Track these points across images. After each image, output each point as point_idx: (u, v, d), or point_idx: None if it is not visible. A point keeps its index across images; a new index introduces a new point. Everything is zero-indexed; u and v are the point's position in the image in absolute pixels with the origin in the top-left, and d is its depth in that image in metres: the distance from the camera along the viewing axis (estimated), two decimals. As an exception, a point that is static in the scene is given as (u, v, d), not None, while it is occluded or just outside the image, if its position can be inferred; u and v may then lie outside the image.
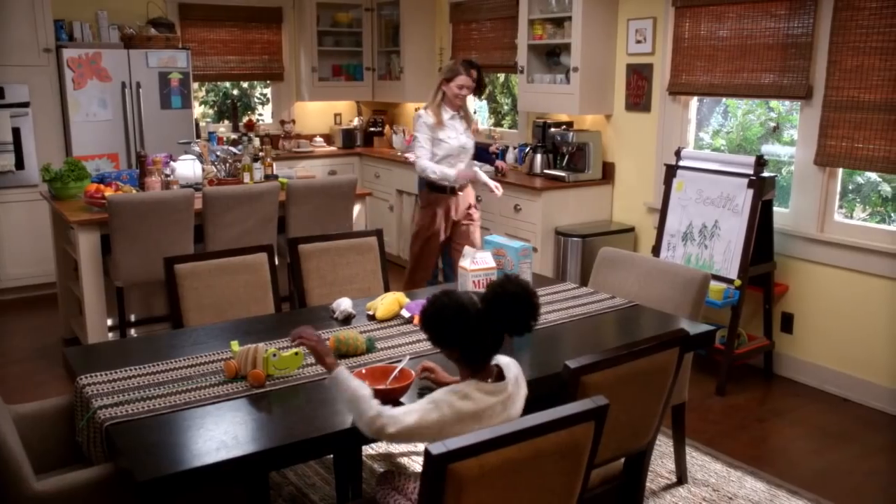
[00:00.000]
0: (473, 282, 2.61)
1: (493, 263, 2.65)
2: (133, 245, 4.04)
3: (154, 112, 5.84)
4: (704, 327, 2.69)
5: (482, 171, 4.53)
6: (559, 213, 5.05)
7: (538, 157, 5.36)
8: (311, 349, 1.99)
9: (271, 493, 3.02)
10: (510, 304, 1.84)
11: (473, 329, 1.80)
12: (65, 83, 5.51)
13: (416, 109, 6.84)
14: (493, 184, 4.41)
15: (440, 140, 4.30)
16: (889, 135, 3.72)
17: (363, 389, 1.85)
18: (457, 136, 4.33)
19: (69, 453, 2.31)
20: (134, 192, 4.26)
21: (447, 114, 4.31)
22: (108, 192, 4.09)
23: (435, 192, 4.39)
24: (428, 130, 4.30)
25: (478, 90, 4.56)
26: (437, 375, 2.14)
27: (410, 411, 1.79)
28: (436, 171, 4.29)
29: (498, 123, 6.75)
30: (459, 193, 4.42)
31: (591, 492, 2.15)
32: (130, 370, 2.28)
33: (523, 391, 1.93)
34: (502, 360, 1.93)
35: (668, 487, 3.13)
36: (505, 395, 1.85)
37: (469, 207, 4.49)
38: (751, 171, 4.05)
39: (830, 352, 4.08)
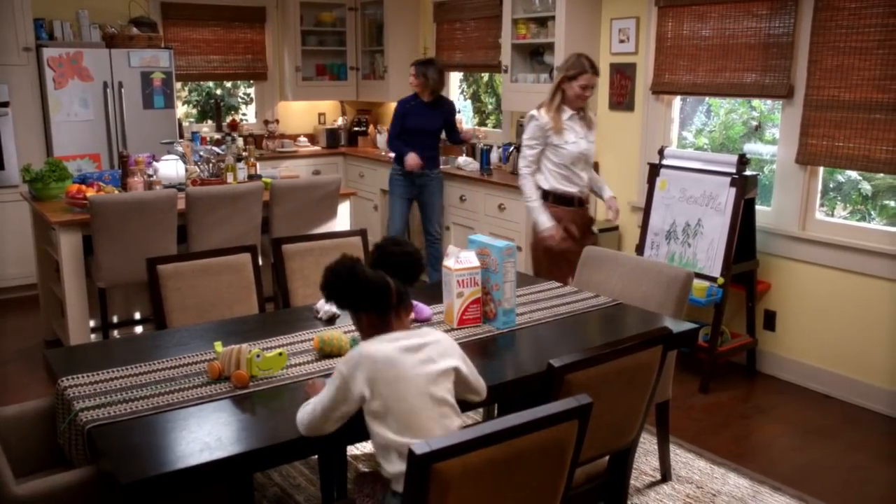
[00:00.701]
0: (458, 281, 2.61)
1: (476, 262, 2.65)
2: (115, 246, 4.01)
3: (136, 112, 5.80)
4: (688, 325, 2.70)
5: (607, 188, 4.11)
6: (543, 212, 5.04)
7: (522, 156, 5.36)
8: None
9: (256, 495, 3.01)
10: (393, 244, 2.06)
11: (372, 278, 1.91)
12: (45, 83, 5.46)
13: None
14: (614, 206, 4.01)
15: (557, 146, 3.84)
16: (868, 133, 3.75)
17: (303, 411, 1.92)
18: (576, 140, 3.86)
19: (50, 456, 2.29)
20: (116, 192, 4.23)
21: (566, 114, 3.86)
22: (90, 193, 4.06)
23: (559, 205, 3.94)
24: (541, 136, 3.85)
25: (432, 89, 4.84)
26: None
27: (309, 402, 1.91)
28: (531, 200, 3.90)
29: (482, 123, 6.76)
30: (586, 205, 4.06)
31: (575, 490, 2.15)
32: (113, 372, 2.26)
33: (450, 352, 1.95)
34: (433, 329, 2.02)
35: (652, 485, 3.15)
36: (410, 342, 1.87)
37: (591, 223, 4.17)
38: (733, 170, 4.08)
39: (812, 349, 4.12)
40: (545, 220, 3.86)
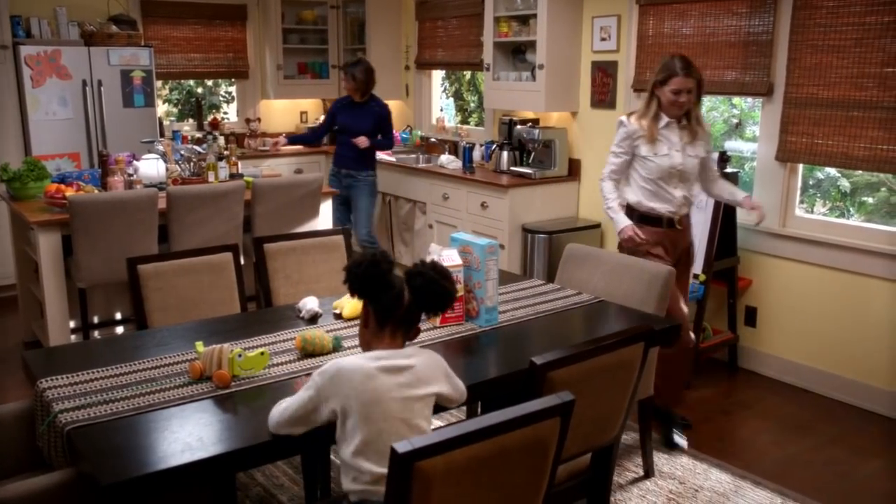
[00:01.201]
0: (440, 279, 2.61)
1: (459, 261, 2.65)
2: (95, 246, 3.97)
3: (116, 111, 5.75)
4: (669, 322, 2.72)
5: (738, 191, 3.57)
6: (526, 209, 5.07)
7: (505, 154, 5.38)
8: None
9: (239, 495, 2.99)
10: (432, 271, 1.97)
11: (395, 282, 1.92)
12: (23, 81, 5.40)
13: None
14: (754, 206, 3.48)
15: (645, 158, 3.37)
16: (846, 131, 3.79)
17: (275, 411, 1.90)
18: (669, 152, 3.34)
19: (29, 459, 2.26)
20: (96, 192, 4.19)
21: (662, 122, 3.36)
22: (70, 193, 4.02)
23: (645, 224, 3.43)
24: (627, 144, 3.41)
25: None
26: None
27: (285, 400, 1.90)
28: (608, 201, 3.49)
29: (464, 121, 6.76)
30: (679, 228, 3.45)
31: (558, 487, 2.16)
32: (93, 373, 2.24)
33: (433, 378, 1.90)
34: (419, 348, 1.98)
35: (635, 481, 3.16)
36: (391, 363, 1.83)
37: (689, 247, 3.56)
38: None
39: (792, 345, 4.16)
40: (622, 219, 3.43)
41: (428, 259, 2.64)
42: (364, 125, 5.39)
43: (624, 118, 3.44)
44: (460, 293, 2.66)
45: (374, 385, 1.78)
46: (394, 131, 5.67)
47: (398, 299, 1.90)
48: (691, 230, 3.59)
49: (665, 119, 3.36)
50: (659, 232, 3.41)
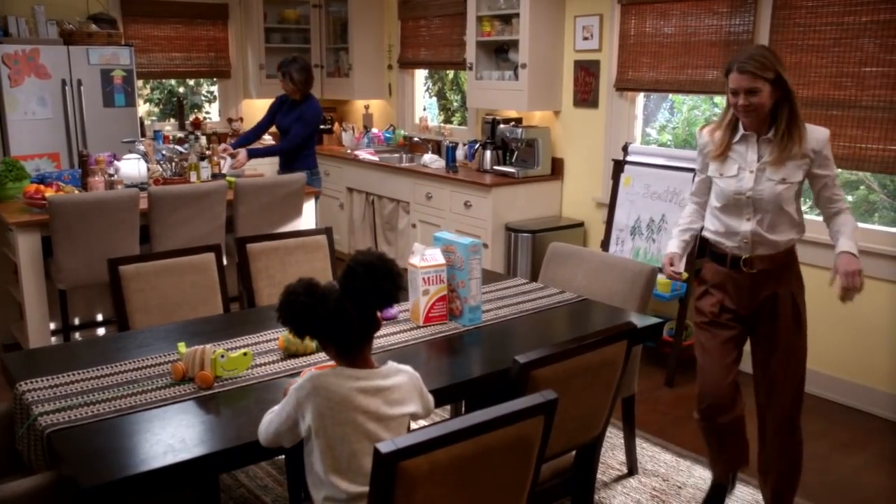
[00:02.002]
0: (423, 279, 2.61)
1: (442, 260, 2.65)
2: (76, 247, 3.94)
3: (97, 110, 5.70)
4: (652, 320, 2.73)
5: (843, 240, 2.57)
6: (509, 208, 5.08)
7: (488, 153, 5.38)
8: None
9: (222, 496, 2.98)
10: (364, 275, 1.74)
11: (333, 311, 1.72)
12: (0, 80, 5.34)
13: (366, 107, 6.80)
14: (842, 274, 2.50)
15: (713, 179, 2.70)
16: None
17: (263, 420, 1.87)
18: (738, 173, 2.59)
19: (9, 462, 2.24)
20: (76, 192, 4.16)
21: (737, 135, 2.61)
22: (49, 193, 3.98)
23: (711, 261, 2.77)
24: (701, 161, 2.78)
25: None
26: None
27: (272, 412, 1.84)
28: (679, 224, 2.92)
29: (448, 120, 6.76)
30: (748, 271, 2.62)
31: (542, 485, 2.17)
32: (73, 375, 2.22)
33: (409, 399, 1.83)
34: (398, 366, 1.85)
35: (618, 479, 3.18)
36: (370, 384, 1.76)
37: (773, 300, 2.65)
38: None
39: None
40: (669, 245, 2.88)
41: (411, 259, 2.65)
42: (288, 124, 5.10)
43: (699, 129, 2.82)
44: (443, 292, 2.66)
45: (350, 405, 1.73)
46: (304, 133, 5.04)
47: (346, 323, 1.73)
48: (785, 278, 2.65)
49: (742, 131, 2.60)
50: (722, 273, 2.68)
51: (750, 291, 2.64)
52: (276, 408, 1.85)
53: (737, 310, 2.68)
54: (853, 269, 2.48)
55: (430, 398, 1.93)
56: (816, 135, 2.55)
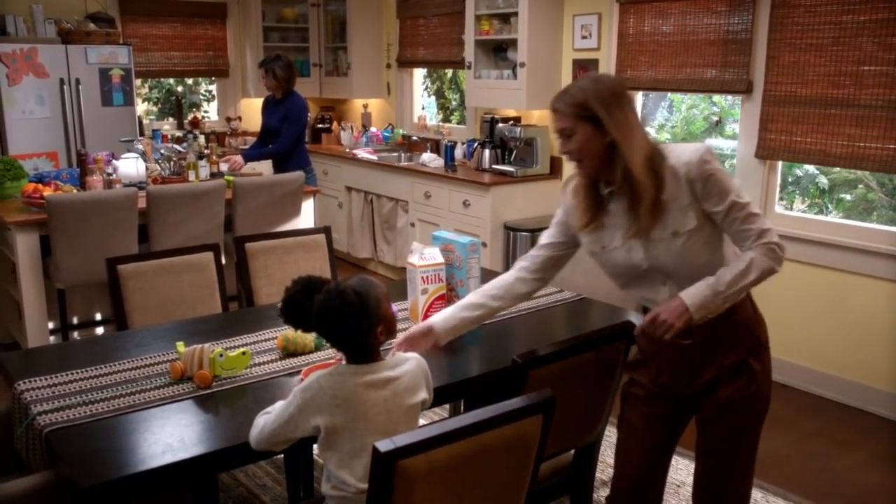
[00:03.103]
0: (422, 278, 2.61)
1: (441, 259, 2.65)
2: (74, 246, 3.94)
3: (95, 109, 5.69)
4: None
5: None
6: (508, 207, 5.08)
7: (486, 152, 5.38)
8: None
9: (221, 495, 2.98)
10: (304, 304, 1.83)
11: (333, 309, 1.75)
12: (-1, 79, 5.34)
13: (365, 106, 6.79)
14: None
15: (595, 254, 2.15)
16: (824, 129, 3.83)
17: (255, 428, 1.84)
18: (623, 242, 2.01)
19: (7, 461, 2.24)
20: (74, 191, 4.15)
21: (605, 192, 2.04)
22: (47, 192, 3.98)
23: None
24: (560, 224, 2.29)
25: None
26: None
27: (271, 418, 1.81)
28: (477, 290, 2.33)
29: (446, 119, 6.76)
30: (685, 343, 1.93)
31: (540, 484, 2.17)
32: (72, 374, 2.22)
33: (418, 386, 1.84)
34: (405, 354, 1.88)
35: (617, 477, 3.18)
36: (377, 376, 1.77)
37: (720, 365, 2.04)
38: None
39: (772, 340, 4.18)
40: (434, 316, 2.25)
41: (410, 259, 2.64)
42: (274, 124, 5.05)
43: (562, 184, 2.21)
44: (442, 291, 2.66)
45: (358, 402, 1.73)
46: (294, 132, 4.99)
47: (348, 320, 1.74)
48: (738, 341, 2.08)
49: (605, 188, 2.01)
50: (654, 340, 1.93)
51: (689, 366, 2.03)
52: (272, 409, 1.85)
53: (675, 388, 2.07)
54: (655, 314, 1.88)
55: (432, 387, 1.93)
56: (684, 158, 1.87)
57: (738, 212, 1.90)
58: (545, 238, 2.25)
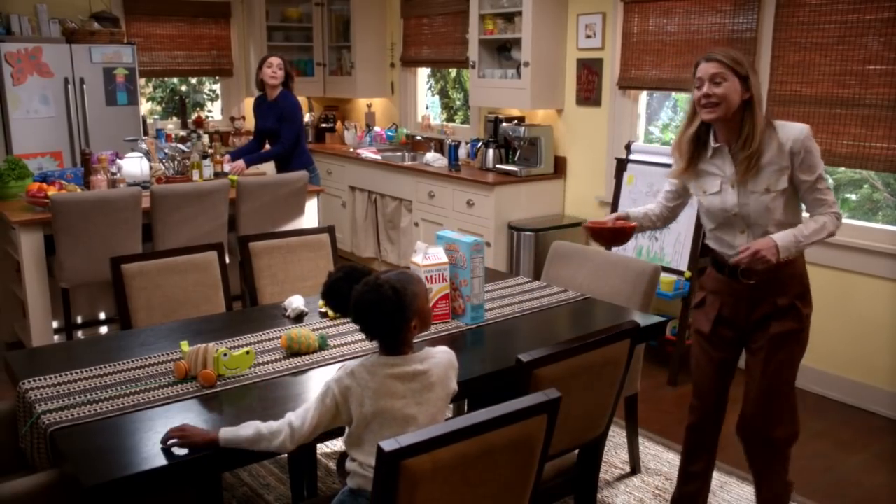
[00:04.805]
0: (426, 277, 2.61)
1: (445, 258, 2.65)
2: (78, 245, 3.94)
3: (99, 109, 5.70)
4: (655, 319, 2.73)
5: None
6: (512, 207, 5.07)
7: (490, 151, 5.38)
8: (187, 444, 1.80)
9: (225, 495, 2.98)
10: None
11: (369, 301, 1.81)
12: (3, 79, 5.34)
13: (369, 105, 6.81)
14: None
15: (697, 196, 2.60)
16: (830, 128, 3.82)
17: (248, 429, 1.80)
18: (720, 189, 2.47)
19: (12, 460, 2.24)
20: (79, 190, 4.16)
21: (709, 148, 2.50)
22: (52, 192, 3.98)
23: (712, 266, 2.62)
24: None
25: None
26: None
27: (308, 409, 1.83)
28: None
29: (450, 119, 6.76)
30: (746, 282, 2.45)
31: (545, 484, 2.16)
32: (76, 373, 2.23)
33: (446, 378, 1.89)
34: (434, 348, 1.93)
35: (621, 478, 3.17)
36: (405, 369, 1.81)
37: (772, 305, 2.47)
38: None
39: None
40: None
41: (413, 258, 2.64)
42: (269, 124, 5.00)
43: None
44: (446, 291, 2.66)
45: (387, 393, 1.78)
46: (293, 132, 4.93)
47: (381, 313, 1.80)
48: (787, 289, 2.45)
49: (713, 143, 2.45)
50: (720, 280, 2.53)
51: (748, 303, 2.47)
52: (297, 412, 1.83)
53: (734, 320, 2.51)
54: (756, 249, 2.26)
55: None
56: (793, 133, 2.32)
57: (820, 184, 2.37)
58: (666, 186, 2.73)
